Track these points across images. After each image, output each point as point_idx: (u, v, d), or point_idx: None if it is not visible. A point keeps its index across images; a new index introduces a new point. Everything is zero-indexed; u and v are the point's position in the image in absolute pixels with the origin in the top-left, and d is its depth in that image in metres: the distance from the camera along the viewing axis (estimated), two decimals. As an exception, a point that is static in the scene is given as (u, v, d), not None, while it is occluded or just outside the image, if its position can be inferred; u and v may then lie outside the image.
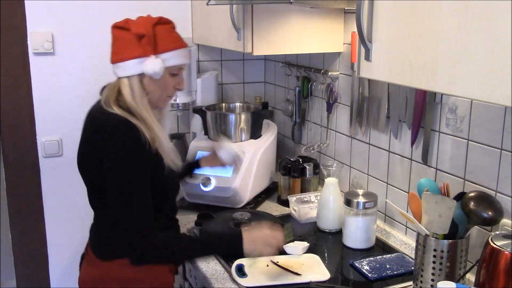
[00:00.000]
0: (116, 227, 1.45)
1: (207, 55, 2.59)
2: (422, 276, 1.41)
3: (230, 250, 1.55)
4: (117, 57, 1.50)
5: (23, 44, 2.25)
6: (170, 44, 1.52)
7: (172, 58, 1.52)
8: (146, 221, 1.45)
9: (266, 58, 2.70)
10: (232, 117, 2.15)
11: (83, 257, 1.67)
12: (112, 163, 1.43)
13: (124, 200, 1.43)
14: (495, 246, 1.24)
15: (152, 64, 1.47)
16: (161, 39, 1.50)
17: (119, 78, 1.51)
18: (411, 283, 1.51)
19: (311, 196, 2.08)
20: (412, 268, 1.56)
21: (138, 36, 1.47)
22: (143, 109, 1.48)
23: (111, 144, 1.42)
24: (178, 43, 1.55)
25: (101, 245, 1.56)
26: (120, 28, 1.50)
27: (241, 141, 2.16)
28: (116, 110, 1.46)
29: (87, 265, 1.61)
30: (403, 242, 1.78)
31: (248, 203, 2.09)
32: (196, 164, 1.96)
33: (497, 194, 1.42)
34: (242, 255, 1.53)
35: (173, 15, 2.46)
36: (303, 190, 2.14)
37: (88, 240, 1.64)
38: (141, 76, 1.49)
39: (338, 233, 1.87)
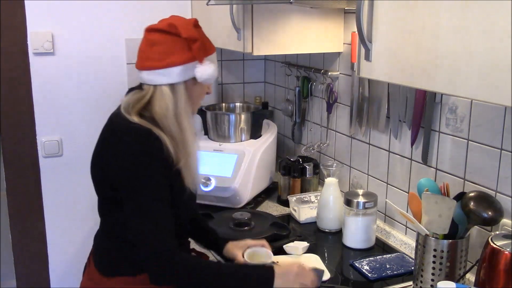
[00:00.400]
0: (138, 244, 1.32)
1: (207, 55, 2.59)
2: (422, 276, 1.41)
3: (259, 286, 1.34)
4: (157, 63, 1.36)
5: (23, 44, 2.25)
6: (212, 46, 1.46)
7: (215, 60, 1.46)
8: (171, 241, 1.32)
9: (266, 58, 2.70)
10: (232, 117, 2.15)
11: (84, 268, 1.57)
12: (133, 178, 1.31)
13: (147, 217, 1.31)
14: (495, 246, 1.24)
15: (207, 68, 1.39)
16: (207, 41, 1.44)
17: (153, 86, 1.37)
18: (411, 283, 1.51)
19: (311, 196, 2.08)
20: (412, 268, 1.56)
21: (190, 41, 1.37)
22: (185, 121, 1.37)
23: (132, 156, 1.31)
24: (213, 47, 1.47)
25: (106, 259, 1.45)
26: (160, 32, 1.37)
27: (241, 141, 2.16)
28: (136, 119, 1.34)
29: (88, 279, 1.50)
30: (403, 242, 1.78)
31: (248, 203, 2.09)
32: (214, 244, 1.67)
33: (497, 194, 1.42)
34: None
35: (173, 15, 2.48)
36: (303, 190, 2.14)
37: (92, 249, 1.55)
38: (186, 82, 1.39)
39: (338, 233, 1.88)
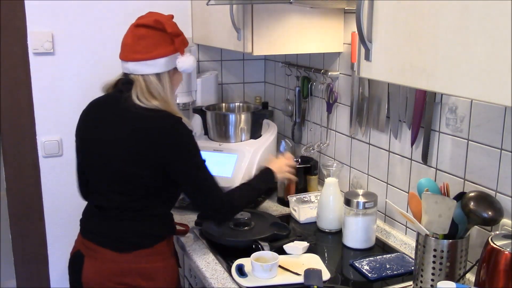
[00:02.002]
0: (209, 200, 1.61)
1: (207, 55, 2.59)
2: (422, 276, 1.41)
3: (269, 182, 1.81)
4: (144, 55, 1.54)
5: (23, 44, 2.25)
6: (187, 40, 1.65)
7: (191, 51, 1.70)
8: (224, 194, 1.64)
9: (266, 58, 2.70)
10: (232, 117, 2.15)
11: (78, 256, 1.63)
12: (184, 154, 1.55)
13: (209, 176, 1.60)
14: (495, 246, 1.24)
15: (188, 59, 1.59)
16: (184, 36, 1.63)
17: (141, 75, 1.56)
18: (411, 283, 1.51)
19: (311, 196, 2.08)
20: (412, 268, 1.56)
21: (174, 35, 1.57)
22: (173, 103, 1.60)
23: (176, 139, 1.53)
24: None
25: (123, 238, 1.58)
26: (148, 27, 1.56)
27: (241, 141, 2.16)
28: (156, 103, 1.54)
29: (94, 261, 1.59)
30: (403, 242, 1.78)
31: (248, 203, 2.09)
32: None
33: (497, 194, 1.42)
34: (275, 182, 1.92)
35: (173, 15, 2.48)
36: (303, 190, 2.14)
37: (82, 239, 1.63)
38: (169, 72, 1.59)
39: (338, 233, 1.88)
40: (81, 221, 1.69)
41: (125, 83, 1.59)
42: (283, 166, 1.85)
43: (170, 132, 1.52)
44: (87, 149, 1.64)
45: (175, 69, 1.61)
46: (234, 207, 1.67)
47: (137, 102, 1.53)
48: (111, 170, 1.57)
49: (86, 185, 1.71)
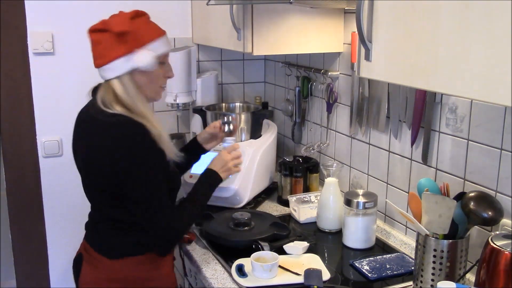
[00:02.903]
0: (147, 224, 1.49)
1: (207, 55, 2.59)
2: (422, 276, 1.41)
3: (214, 185, 1.68)
4: (101, 60, 1.49)
5: (23, 44, 2.25)
6: (154, 34, 1.52)
7: (159, 46, 1.52)
8: (171, 212, 1.51)
9: (266, 58, 2.70)
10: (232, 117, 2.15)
11: (79, 259, 1.64)
12: (131, 165, 1.44)
13: (151, 198, 1.47)
14: (495, 246, 1.24)
15: (143, 57, 1.47)
16: (143, 30, 1.50)
17: (108, 81, 1.50)
18: (411, 283, 1.51)
19: (311, 196, 2.08)
20: (412, 268, 1.56)
21: (120, 34, 1.46)
22: (141, 106, 1.49)
23: (125, 146, 1.43)
24: (160, 30, 1.55)
25: (112, 244, 1.55)
26: (98, 31, 1.49)
27: (241, 141, 2.16)
28: (119, 109, 1.47)
29: (90, 266, 1.59)
30: (403, 242, 1.78)
31: (248, 203, 2.09)
32: (196, 149, 1.91)
33: (497, 194, 1.42)
34: (221, 181, 1.70)
35: (173, 15, 2.48)
36: (304, 190, 2.14)
37: (84, 242, 1.63)
38: (131, 73, 1.49)
39: (338, 233, 1.88)
40: (86, 223, 1.67)
41: (94, 89, 1.57)
42: (227, 163, 1.71)
43: (124, 140, 1.44)
44: (75, 160, 1.62)
45: (138, 68, 1.49)
46: (178, 234, 1.54)
47: (102, 107, 1.48)
48: (90, 183, 1.56)
49: None
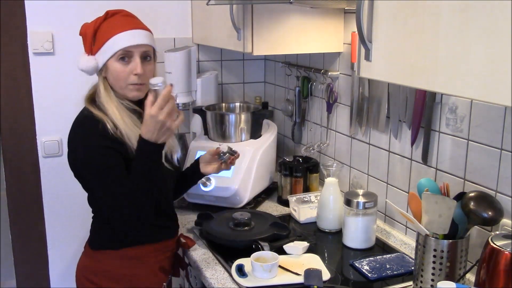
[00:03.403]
0: (107, 214, 1.51)
1: (207, 55, 2.59)
2: (422, 276, 1.41)
3: (151, 154, 1.45)
4: (80, 61, 1.58)
5: (23, 44, 2.25)
6: (105, 36, 1.52)
7: (110, 47, 1.51)
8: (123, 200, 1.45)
9: (266, 58, 2.70)
10: (232, 117, 2.15)
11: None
12: (83, 158, 1.49)
13: (101, 186, 1.46)
14: (495, 246, 1.24)
15: (84, 62, 1.55)
16: (99, 35, 1.53)
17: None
18: (411, 283, 1.51)
19: (311, 196, 2.08)
20: (412, 268, 1.56)
21: (82, 37, 1.57)
22: (105, 103, 1.53)
23: (77, 140, 1.51)
24: (118, 29, 1.52)
25: (95, 236, 1.65)
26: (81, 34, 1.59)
27: (241, 141, 2.16)
28: (87, 106, 1.55)
29: (83, 255, 1.69)
30: (403, 242, 1.78)
31: (248, 203, 2.09)
32: (195, 169, 1.85)
33: (497, 194, 1.42)
34: (160, 147, 1.45)
35: (173, 15, 2.48)
36: (304, 190, 2.14)
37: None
38: (100, 73, 1.56)
39: (338, 233, 1.88)
40: None
41: None
42: (164, 124, 1.39)
43: (72, 133, 1.54)
44: None
45: (101, 70, 1.55)
46: (126, 215, 1.45)
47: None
48: (78, 178, 1.59)
49: None
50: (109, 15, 1.57)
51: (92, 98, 1.57)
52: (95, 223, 1.65)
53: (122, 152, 1.49)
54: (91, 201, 1.62)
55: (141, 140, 1.42)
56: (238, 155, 1.83)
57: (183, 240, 1.76)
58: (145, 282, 1.62)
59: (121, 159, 1.48)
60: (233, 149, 1.81)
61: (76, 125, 1.55)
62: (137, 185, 1.44)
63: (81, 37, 1.57)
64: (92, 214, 1.66)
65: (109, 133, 1.48)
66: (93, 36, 1.54)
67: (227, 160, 1.79)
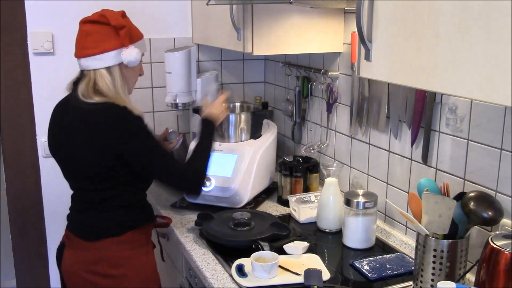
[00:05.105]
0: (170, 182, 1.69)
1: (207, 55, 2.59)
2: (422, 276, 1.41)
3: (213, 133, 1.85)
4: (93, 50, 1.57)
5: (23, 44, 2.25)
6: (139, 34, 1.69)
7: (141, 46, 1.68)
8: (186, 165, 1.71)
9: (266, 58, 2.70)
10: (232, 117, 2.15)
11: (61, 247, 1.76)
12: (139, 141, 1.58)
13: (165, 154, 1.64)
14: (495, 246, 1.24)
15: (134, 53, 1.61)
16: (133, 29, 1.65)
17: (93, 70, 1.59)
18: (411, 283, 1.51)
19: (311, 196, 2.08)
20: (412, 268, 1.56)
21: (117, 28, 1.58)
22: (124, 96, 1.61)
23: (126, 127, 1.56)
24: (141, 33, 1.71)
25: (95, 228, 1.66)
26: (94, 22, 1.59)
27: (241, 141, 2.16)
28: (97, 99, 1.57)
29: (70, 250, 1.70)
30: (403, 242, 1.78)
31: (248, 203, 2.09)
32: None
33: (497, 194, 1.42)
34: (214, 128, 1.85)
35: (173, 15, 2.48)
36: (304, 190, 2.14)
37: (66, 231, 1.75)
38: (120, 65, 1.61)
39: (338, 233, 1.88)
40: (67, 215, 1.78)
41: (76, 81, 1.66)
42: (218, 109, 1.88)
43: (117, 121, 1.56)
44: (55, 151, 1.72)
45: (128, 62, 1.63)
46: (198, 173, 1.70)
47: (82, 98, 1.58)
48: (74, 167, 1.66)
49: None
50: (124, 14, 1.67)
51: (95, 89, 1.59)
52: (92, 213, 1.67)
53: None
54: (93, 193, 1.65)
55: (209, 121, 1.83)
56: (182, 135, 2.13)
57: (163, 220, 1.89)
58: (141, 262, 1.71)
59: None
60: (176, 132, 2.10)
61: (125, 115, 1.57)
62: (206, 152, 1.76)
63: (115, 27, 1.58)
64: (88, 207, 1.68)
65: (140, 117, 1.60)
66: (129, 29, 1.61)
67: (172, 138, 2.07)
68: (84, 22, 1.62)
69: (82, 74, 1.64)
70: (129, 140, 1.57)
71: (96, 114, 1.57)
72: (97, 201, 1.66)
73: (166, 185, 1.71)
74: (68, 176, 1.73)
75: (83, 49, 1.60)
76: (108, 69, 1.59)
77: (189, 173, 1.67)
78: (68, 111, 1.65)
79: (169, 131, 2.13)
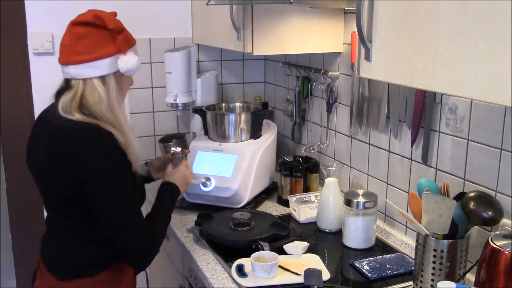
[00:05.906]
0: (119, 236, 1.38)
1: (207, 55, 2.59)
2: (422, 276, 1.41)
3: (175, 199, 1.64)
4: (86, 56, 1.36)
5: (23, 44, 2.25)
6: (133, 38, 1.48)
7: (136, 50, 1.48)
8: (145, 224, 1.43)
9: (266, 58, 2.70)
10: (232, 117, 2.15)
11: (34, 275, 1.57)
12: (99, 174, 1.34)
13: (124, 208, 1.37)
14: (495, 246, 1.24)
15: (134, 60, 1.42)
16: (128, 34, 1.44)
17: (83, 80, 1.38)
18: (411, 283, 1.51)
19: (311, 196, 2.08)
20: (412, 268, 1.56)
21: (115, 32, 1.38)
22: (118, 111, 1.40)
23: (91, 155, 1.32)
24: (133, 37, 1.49)
25: (63, 263, 1.46)
26: (89, 25, 1.37)
27: (241, 141, 2.16)
28: (79, 117, 1.35)
29: (40, 285, 1.51)
30: (403, 242, 1.78)
31: (248, 203, 2.09)
32: (150, 178, 1.82)
33: (497, 194, 1.42)
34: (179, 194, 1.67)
35: (173, 15, 2.48)
36: (304, 190, 2.14)
37: (39, 257, 1.55)
38: (115, 74, 1.41)
39: (338, 233, 1.88)
40: (42, 235, 1.58)
41: (60, 92, 1.43)
42: (186, 178, 1.69)
43: (82, 147, 1.32)
44: (32, 171, 1.51)
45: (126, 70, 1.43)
46: (156, 247, 1.45)
47: (61, 113, 1.36)
48: (44, 191, 1.47)
49: None
50: (116, 15, 1.46)
51: (80, 103, 1.38)
52: (66, 247, 1.45)
53: (130, 170, 1.41)
54: (68, 222, 1.44)
55: (173, 184, 1.63)
56: (188, 151, 1.92)
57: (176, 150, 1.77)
58: None
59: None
60: (181, 149, 1.81)
61: (84, 139, 1.34)
62: (165, 217, 1.55)
63: (112, 31, 1.38)
64: (57, 238, 1.48)
65: (121, 151, 1.37)
66: (126, 33, 1.42)
67: (178, 162, 1.76)
68: (75, 23, 1.39)
69: (68, 84, 1.40)
70: (90, 172, 1.33)
71: (71, 135, 1.33)
72: (69, 231, 1.45)
73: (113, 238, 1.40)
74: (44, 193, 1.49)
75: (73, 55, 1.37)
76: (103, 78, 1.38)
77: (147, 232, 1.40)
78: (43, 126, 1.44)
79: (175, 155, 1.78)
